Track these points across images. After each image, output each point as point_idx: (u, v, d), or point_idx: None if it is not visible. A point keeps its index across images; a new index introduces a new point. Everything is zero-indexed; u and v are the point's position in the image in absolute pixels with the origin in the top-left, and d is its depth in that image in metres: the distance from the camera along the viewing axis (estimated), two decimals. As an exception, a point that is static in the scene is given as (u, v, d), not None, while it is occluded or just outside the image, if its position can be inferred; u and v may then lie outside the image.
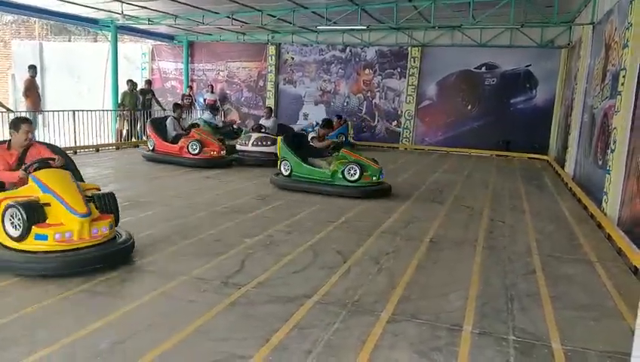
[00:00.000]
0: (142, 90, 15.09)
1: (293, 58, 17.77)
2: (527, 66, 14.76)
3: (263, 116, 13.75)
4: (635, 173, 5.57)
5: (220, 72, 18.84)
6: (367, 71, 16.75)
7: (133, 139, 14.21)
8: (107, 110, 14.29)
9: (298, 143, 8.69)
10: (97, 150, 12.56)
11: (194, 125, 11.20)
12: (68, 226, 4.10)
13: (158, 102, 15.47)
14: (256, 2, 12.52)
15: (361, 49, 16.72)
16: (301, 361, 2.88)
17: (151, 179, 8.93)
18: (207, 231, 5.53)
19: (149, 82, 15.99)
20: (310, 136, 9.16)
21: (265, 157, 10.78)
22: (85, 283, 3.90)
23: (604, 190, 6.59)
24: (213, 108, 18.03)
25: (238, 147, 11.17)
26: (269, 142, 10.88)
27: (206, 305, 3.59)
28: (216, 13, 13.82)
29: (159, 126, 11.11)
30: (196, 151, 10.31)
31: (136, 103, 14.41)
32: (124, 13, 13.45)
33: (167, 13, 14.20)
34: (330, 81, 17.29)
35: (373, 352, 3.01)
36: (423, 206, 7.42)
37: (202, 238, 5.28)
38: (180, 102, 14.48)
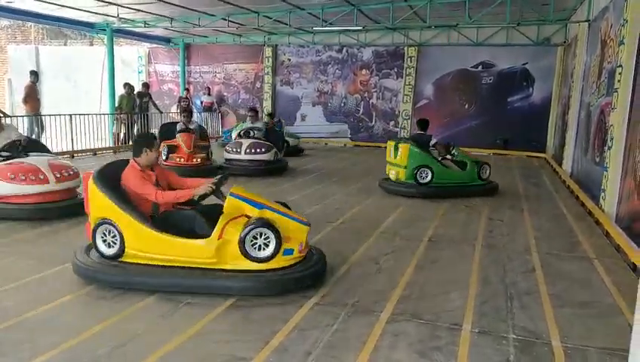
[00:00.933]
0: (139, 93, 15.06)
1: (289, 59, 17.77)
2: (523, 65, 14.79)
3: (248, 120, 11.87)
4: (632, 170, 5.58)
5: (217, 74, 18.83)
6: (363, 71, 16.76)
7: (131, 143, 14.18)
8: (104, 114, 14.27)
9: (421, 147, 8.05)
10: (95, 154, 12.55)
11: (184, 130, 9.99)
12: (299, 237, 4.01)
13: (155, 105, 15.45)
14: (252, 4, 12.52)
15: (358, 49, 16.73)
16: (301, 363, 2.88)
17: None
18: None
19: (146, 85, 15.98)
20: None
21: (255, 166, 9.73)
22: (84, 287, 3.89)
23: (602, 187, 6.60)
24: (209, 110, 18.05)
25: (225, 155, 10.04)
26: (263, 149, 9.80)
27: (206, 307, 3.58)
28: (212, 15, 13.82)
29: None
30: (164, 158, 9.44)
31: (133, 106, 14.40)
32: (120, 16, 13.46)
33: (163, 16, 14.19)
34: (327, 81, 17.30)
35: (373, 353, 3.01)
36: (421, 205, 7.42)
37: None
38: (176, 104, 14.44)
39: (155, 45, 19.19)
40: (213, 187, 4.05)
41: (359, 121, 16.93)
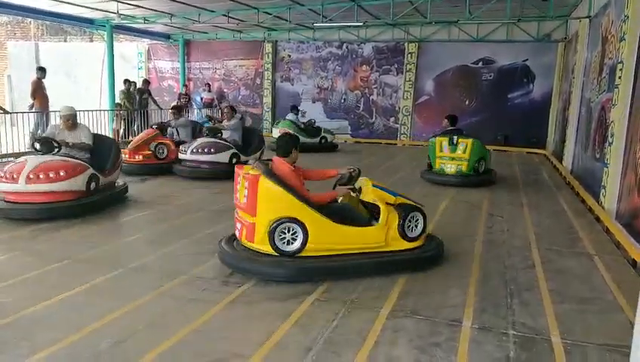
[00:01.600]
0: (139, 89, 15.04)
1: (289, 55, 17.74)
2: (524, 61, 14.76)
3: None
4: (632, 167, 5.58)
5: (217, 71, 18.80)
6: (364, 67, 16.73)
7: (130, 138, 14.18)
8: (104, 110, 14.25)
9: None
10: (95, 150, 12.51)
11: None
12: None
13: (154, 101, 15.43)
14: (251, 0, 12.48)
15: (358, 45, 16.70)
16: (301, 359, 2.88)
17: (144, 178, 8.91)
18: (205, 231, 5.52)
19: (146, 81, 15.95)
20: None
21: (204, 167, 8.72)
22: (84, 284, 3.89)
23: (602, 183, 6.59)
24: (210, 106, 18.03)
25: (180, 155, 9.04)
26: (212, 150, 8.71)
27: (206, 303, 3.59)
28: (212, 11, 13.79)
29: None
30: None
31: (132, 103, 14.39)
32: (120, 12, 13.42)
33: (163, 12, 14.16)
34: (327, 78, 17.27)
35: (373, 349, 3.01)
36: (421, 201, 7.39)
37: (200, 237, 5.27)
38: (176, 101, 14.41)
39: (154, 41, 19.15)
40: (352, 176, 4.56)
41: (359, 118, 16.90)
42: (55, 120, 11.96)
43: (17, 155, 10.47)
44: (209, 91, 18.13)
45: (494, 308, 3.64)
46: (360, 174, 4.62)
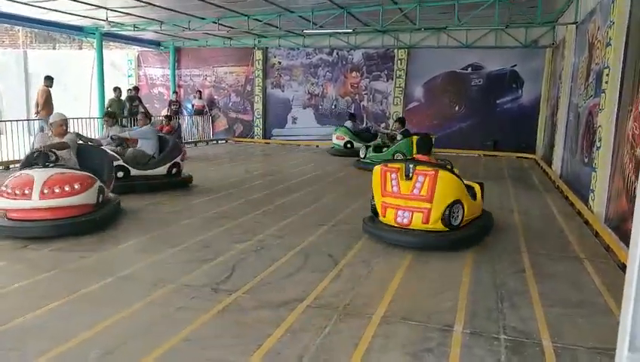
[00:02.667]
0: (129, 97, 14.99)
1: (280, 62, 17.78)
2: (512, 67, 14.89)
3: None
4: (620, 171, 5.63)
5: (207, 78, 18.79)
6: (354, 74, 16.80)
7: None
8: (94, 118, 14.17)
9: None
10: (84, 158, 12.44)
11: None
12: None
13: (145, 108, 15.35)
14: (242, 7, 12.50)
15: (348, 52, 16.78)
16: (293, 366, 2.87)
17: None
18: (196, 238, 5.50)
19: (136, 89, 15.89)
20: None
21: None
22: (73, 293, 3.86)
23: (591, 187, 6.65)
24: (200, 113, 18.00)
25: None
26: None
27: (196, 312, 3.56)
28: (202, 18, 13.79)
29: None
30: None
31: (122, 110, 14.33)
32: (109, 20, 13.38)
33: (153, 20, 14.15)
34: (318, 84, 17.32)
35: (365, 355, 3.00)
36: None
37: (190, 245, 5.25)
38: (167, 108, 14.40)
39: (144, 49, 19.11)
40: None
41: (355, 118, 16.92)
42: (44, 129, 12.01)
43: (6, 165, 10.41)
44: (200, 98, 18.10)
45: (485, 313, 3.65)
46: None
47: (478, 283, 4.28)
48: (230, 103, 18.64)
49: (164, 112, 17.56)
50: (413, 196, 5.11)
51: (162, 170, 8.37)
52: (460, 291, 4.07)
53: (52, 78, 12.43)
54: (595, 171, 6.49)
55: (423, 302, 3.85)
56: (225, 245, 5.24)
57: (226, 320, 3.45)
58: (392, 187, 5.28)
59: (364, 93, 16.74)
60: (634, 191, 5.02)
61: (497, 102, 15.12)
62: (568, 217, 6.92)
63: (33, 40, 23.72)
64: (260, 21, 13.71)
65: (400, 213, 5.20)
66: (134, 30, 15.06)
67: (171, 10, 12.66)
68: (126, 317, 3.48)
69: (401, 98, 16.10)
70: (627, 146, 5.40)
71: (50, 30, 16.69)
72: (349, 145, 14.01)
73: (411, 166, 5.22)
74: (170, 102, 17.50)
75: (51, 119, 6.44)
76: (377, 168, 5.51)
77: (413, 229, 5.18)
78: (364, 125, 15.67)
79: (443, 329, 3.37)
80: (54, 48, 23.55)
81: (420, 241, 5.12)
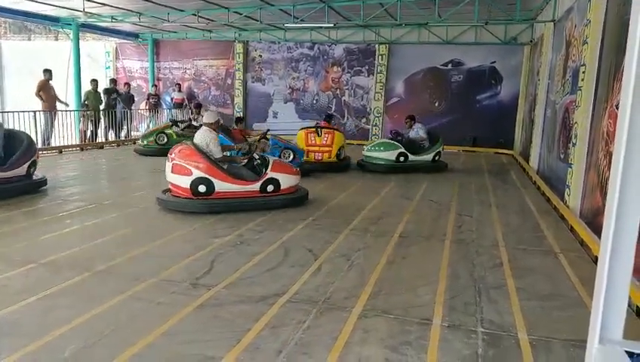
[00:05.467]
0: (106, 89, 14.76)
1: (261, 56, 17.67)
2: (492, 63, 15.06)
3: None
4: (595, 167, 5.74)
5: (187, 71, 18.59)
6: (335, 68, 16.80)
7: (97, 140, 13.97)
8: (70, 110, 13.92)
9: None
10: (60, 151, 12.23)
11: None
12: None
13: (123, 101, 15.14)
14: (222, 0, 12.38)
15: (329, 46, 16.75)
16: (273, 360, 2.86)
17: (115, 181, 8.74)
18: (175, 233, 5.45)
19: (113, 81, 15.65)
20: None
21: None
22: (50, 287, 3.79)
23: (567, 183, 6.77)
24: (180, 106, 17.81)
25: None
26: None
27: (175, 306, 3.53)
28: (181, 10, 13.61)
29: None
30: None
31: (98, 103, 14.13)
32: (86, 10, 13.12)
33: (131, 11, 13.91)
34: (299, 78, 17.27)
35: (344, 349, 3.02)
36: (392, 202, 7.49)
37: (170, 239, 5.20)
38: (145, 101, 14.30)
39: (122, 40, 18.79)
40: None
41: (331, 118, 16.91)
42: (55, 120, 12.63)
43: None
44: (179, 91, 17.90)
45: (463, 306, 3.70)
46: None
47: (456, 277, 4.33)
48: (210, 97, 18.47)
49: (143, 105, 17.40)
50: (322, 144, 10.16)
51: (20, 170, 7.24)
52: (439, 285, 4.11)
53: (50, 71, 12.81)
54: (571, 167, 6.60)
55: (402, 296, 3.88)
56: (205, 240, 5.20)
57: (205, 315, 3.43)
58: (311, 140, 10.27)
59: (345, 88, 16.75)
60: (608, 187, 5.12)
61: (477, 98, 15.28)
62: (545, 212, 7.04)
63: (7, 30, 23.14)
64: (241, 14, 13.59)
65: (317, 154, 10.18)
66: (112, 21, 14.80)
67: (150, 1, 12.46)
68: (104, 312, 3.43)
69: (382, 93, 16.15)
70: (602, 143, 5.51)
71: (25, 20, 16.27)
72: None
73: (320, 129, 10.34)
74: (149, 96, 17.27)
75: None
76: (301, 132, 10.56)
77: (323, 161, 10.15)
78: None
79: (422, 322, 3.41)
80: (29, 39, 23.01)
81: (325, 167, 10.12)
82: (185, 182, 6.28)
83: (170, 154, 6.51)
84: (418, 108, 15.82)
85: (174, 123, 12.70)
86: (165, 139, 12.18)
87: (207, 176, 6.30)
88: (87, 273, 4.16)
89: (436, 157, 10.76)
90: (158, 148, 11.88)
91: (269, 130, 10.21)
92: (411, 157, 10.46)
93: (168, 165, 6.45)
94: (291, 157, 9.45)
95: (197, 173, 6.26)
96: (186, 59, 18.52)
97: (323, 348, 3.02)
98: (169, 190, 6.63)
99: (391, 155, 10.43)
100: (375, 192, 8.12)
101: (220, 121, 7.06)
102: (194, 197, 6.33)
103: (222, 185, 6.38)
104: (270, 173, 6.65)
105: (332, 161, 10.25)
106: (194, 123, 12.57)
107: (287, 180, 6.82)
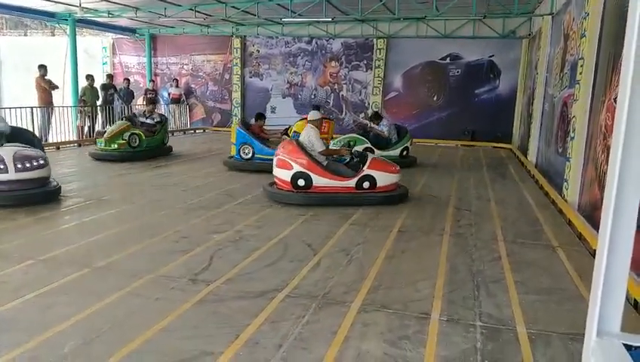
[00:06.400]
0: (103, 85, 14.72)
1: (258, 51, 17.63)
2: (490, 57, 15.03)
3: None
4: (593, 160, 5.75)
5: (185, 66, 18.53)
6: (333, 63, 16.76)
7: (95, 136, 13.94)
8: (67, 106, 13.88)
9: None
10: (58, 148, 12.20)
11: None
12: None
13: (120, 97, 15.10)
14: (219, -6, 12.36)
15: (327, 41, 16.71)
16: (272, 355, 2.87)
17: (112, 177, 8.73)
18: (174, 228, 5.45)
19: (110, 77, 15.60)
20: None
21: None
22: (48, 284, 3.79)
23: (565, 177, 6.78)
24: (177, 102, 17.77)
25: None
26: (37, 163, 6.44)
27: (174, 302, 3.54)
28: (178, 5, 13.55)
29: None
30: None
31: (95, 99, 14.11)
32: (83, 5, 13.07)
33: (128, 6, 13.85)
34: (297, 73, 17.23)
35: (343, 343, 3.02)
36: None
37: (168, 235, 5.20)
38: (142, 96, 14.29)
39: (119, 36, 18.73)
40: None
41: (329, 113, 16.92)
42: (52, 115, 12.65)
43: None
44: (177, 87, 17.87)
45: (462, 300, 3.71)
46: None
47: (455, 271, 4.34)
48: (208, 92, 18.43)
49: (140, 100, 17.34)
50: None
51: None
52: (438, 279, 4.12)
53: (45, 66, 12.85)
54: (569, 161, 6.61)
55: (401, 290, 3.89)
56: (204, 235, 5.20)
57: (205, 311, 3.44)
58: None
59: (343, 82, 16.72)
60: (606, 181, 5.12)
61: (475, 92, 15.27)
62: (543, 206, 7.05)
63: (4, 26, 23.03)
64: (238, 9, 13.54)
65: None
66: (109, 17, 14.73)
67: (147, -4, 12.42)
68: (103, 308, 3.43)
69: (380, 88, 16.13)
70: (600, 136, 5.51)
71: (21, 16, 16.21)
72: None
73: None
74: (147, 91, 17.22)
75: None
76: (302, 122, 9.66)
77: None
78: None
79: (420, 316, 3.42)
80: (26, 35, 22.91)
81: None
82: (286, 175, 6.75)
83: (278, 150, 7.01)
84: (416, 103, 15.86)
85: (131, 119, 11.26)
86: (137, 141, 10.75)
87: (306, 171, 6.68)
88: (86, 269, 4.16)
89: (404, 153, 10.55)
90: (130, 152, 10.52)
91: (290, 126, 10.22)
92: (378, 152, 10.03)
93: (274, 160, 6.96)
94: None
95: (297, 168, 6.69)
96: (183, 54, 18.47)
97: (322, 342, 3.03)
98: (274, 183, 7.07)
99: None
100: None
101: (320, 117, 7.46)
102: (294, 190, 6.73)
103: (319, 180, 6.73)
104: (366, 170, 6.84)
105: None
106: (147, 120, 11.29)
107: (384, 178, 6.92)
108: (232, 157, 9.74)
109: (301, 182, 6.69)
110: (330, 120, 11.04)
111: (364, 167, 6.85)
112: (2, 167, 6.13)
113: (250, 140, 9.43)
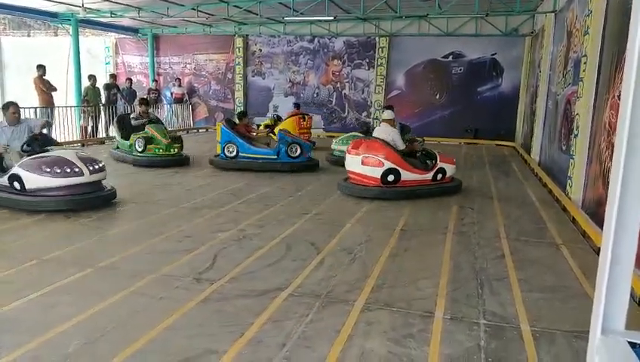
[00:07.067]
0: (106, 85, 14.75)
1: (261, 50, 17.62)
2: (492, 55, 15.00)
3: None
4: (597, 157, 5.73)
5: (187, 65, 18.55)
6: (335, 62, 16.75)
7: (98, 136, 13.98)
8: (70, 106, 13.91)
9: None
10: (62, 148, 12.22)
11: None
12: None
13: (123, 96, 15.13)
14: (221, -7, 12.35)
15: (329, 40, 16.70)
16: (275, 354, 2.87)
17: (117, 177, 8.74)
18: (177, 228, 5.46)
19: (113, 76, 15.63)
20: None
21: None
22: (52, 284, 3.80)
23: (569, 174, 6.76)
24: (180, 101, 17.79)
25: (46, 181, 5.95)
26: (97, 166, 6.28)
27: (178, 301, 3.54)
28: (180, 5, 13.57)
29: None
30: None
31: (98, 99, 14.13)
32: (85, 6, 13.08)
33: (130, 6, 13.87)
34: (299, 72, 17.22)
35: (347, 342, 3.02)
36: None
37: (171, 235, 5.21)
38: (145, 96, 14.26)
39: (122, 36, 18.75)
40: None
41: (332, 112, 16.93)
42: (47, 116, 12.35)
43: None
44: (179, 86, 17.88)
45: (465, 299, 3.70)
46: None
47: (458, 269, 4.34)
48: (211, 91, 18.45)
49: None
50: (308, 127, 11.72)
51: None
52: (441, 278, 4.12)
53: (44, 66, 12.71)
54: (573, 158, 6.59)
55: (405, 288, 3.88)
56: (207, 234, 5.21)
57: (209, 310, 3.44)
58: (300, 125, 11.49)
59: (345, 81, 16.71)
60: (610, 178, 5.11)
61: (478, 90, 15.24)
62: (547, 204, 7.03)
63: (7, 27, 23.09)
64: (240, 8, 13.55)
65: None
66: (111, 16, 14.76)
67: (149, -4, 12.44)
68: (107, 307, 3.44)
69: (383, 86, 16.11)
70: (604, 134, 5.50)
71: (24, 16, 16.27)
72: None
73: (304, 115, 11.05)
74: (150, 91, 17.25)
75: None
76: (291, 119, 11.60)
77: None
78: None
79: (424, 315, 3.41)
80: (29, 35, 22.96)
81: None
82: (377, 172, 7.11)
83: (355, 149, 7.37)
84: (419, 101, 15.84)
85: (121, 120, 10.82)
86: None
87: (396, 167, 7.13)
88: (89, 269, 4.17)
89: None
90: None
91: (274, 124, 10.23)
92: None
93: (355, 158, 7.28)
94: (298, 151, 9.35)
95: (388, 165, 7.11)
96: (186, 53, 18.48)
97: (326, 341, 3.03)
98: (348, 178, 7.52)
99: None
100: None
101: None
102: (383, 185, 7.11)
103: (406, 175, 7.24)
104: (440, 164, 7.50)
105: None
106: (136, 122, 10.43)
107: (450, 169, 7.68)
108: (217, 155, 9.76)
109: (390, 178, 7.12)
110: (309, 116, 12.01)
111: (437, 161, 7.50)
112: (77, 170, 5.94)
113: (235, 139, 9.43)
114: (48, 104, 12.74)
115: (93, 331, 3.09)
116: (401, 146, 7.36)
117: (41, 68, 12.68)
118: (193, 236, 5.17)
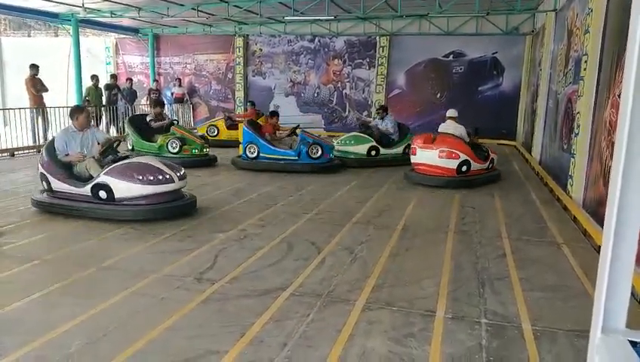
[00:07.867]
0: (107, 85, 14.75)
1: (261, 49, 17.62)
2: (493, 54, 14.98)
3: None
4: (597, 156, 5.72)
5: (188, 65, 18.54)
6: (336, 61, 16.74)
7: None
8: (70, 107, 13.88)
9: None
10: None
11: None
12: None
13: (124, 97, 15.13)
14: (221, -7, 12.35)
15: (330, 39, 16.69)
16: (277, 354, 2.87)
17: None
18: (180, 227, 5.46)
19: (114, 77, 15.63)
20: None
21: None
22: (54, 284, 3.81)
23: (570, 173, 6.75)
24: (180, 101, 17.79)
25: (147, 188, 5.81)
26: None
27: (179, 301, 3.55)
28: (181, 5, 13.57)
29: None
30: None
31: (99, 99, 14.12)
32: (85, 6, 13.09)
33: (130, 6, 13.87)
34: (300, 72, 17.21)
35: (348, 341, 3.03)
36: (394, 194, 7.49)
37: (171, 236, 5.22)
38: (146, 96, 14.29)
39: (122, 36, 18.75)
40: None
41: (332, 112, 16.92)
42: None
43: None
44: (180, 86, 17.88)
45: (467, 298, 3.70)
46: None
47: (459, 268, 4.33)
48: (211, 91, 18.45)
49: (144, 100, 17.38)
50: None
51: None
52: (442, 277, 4.12)
53: (37, 66, 12.54)
54: (574, 157, 6.58)
55: (406, 288, 3.88)
56: (208, 235, 5.21)
57: (210, 310, 3.44)
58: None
59: (346, 80, 16.70)
60: (610, 177, 5.09)
61: (479, 89, 15.22)
62: (547, 203, 7.03)
63: (7, 27, 23.13)
64: (240, 8, 13.54)
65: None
66: (112, 17, 14.76)
67: (150, -4, 12.43)
68: (109, 307, 3.44)
69: (384, 86, 16.10)
70: (605, 132, 5.49)
71: (24, 17, 16.27)
72: None
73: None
74: (150, 91, 17.24)
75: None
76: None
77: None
78: None
79: (425, 314, 3.41)
80: (29, 35, 22.99)
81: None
82: (453, 164, 8.02)
83: (427, 143, 8.22)
84: (420, 100, 15.83)
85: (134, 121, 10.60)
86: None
87: (469, 159, 8.08)
88: (90, 269, 4.17)
89: (407, 150, 10.38)
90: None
91: (299, 125, 10.18)
92: (382, 150, 10.25)
93: (429, 152, 8.11)
94: (319, 152, 9.23)
95: (463, 157, 8.03)
96: (186, 53, 18.48)
97: (327, 340, 3.03)
98: (413, 168, 8.46)
99: (362, 149, 10.20)
100: (378, 184, 8.12)
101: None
102: (456, 175, 8.03)
103: (475, 165, 8.18)
104: (492, 155, 8.58)
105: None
106: (156, 123, 10.19)
107: (496, 159, 8.83)
108: (239, 156, 9.74)
109: (464, 168, 8.03)
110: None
111: (490, 152, 8.56)
112: (168, 176, 5.66)
113: (256, 139, 9.42)
114: (39, 105, 12.38)
115: (95, 331, 3.09)
116: (467, 139, 8.26)
117: (34, 67, 12.40)
118: (194, 236, 5.17)
